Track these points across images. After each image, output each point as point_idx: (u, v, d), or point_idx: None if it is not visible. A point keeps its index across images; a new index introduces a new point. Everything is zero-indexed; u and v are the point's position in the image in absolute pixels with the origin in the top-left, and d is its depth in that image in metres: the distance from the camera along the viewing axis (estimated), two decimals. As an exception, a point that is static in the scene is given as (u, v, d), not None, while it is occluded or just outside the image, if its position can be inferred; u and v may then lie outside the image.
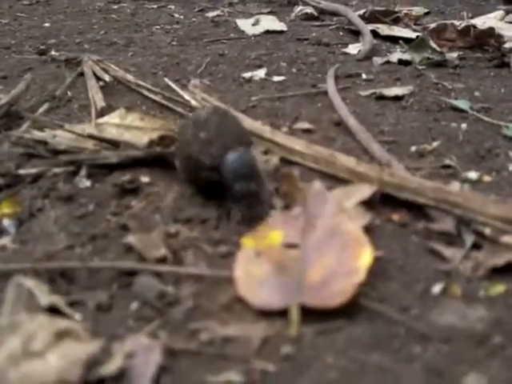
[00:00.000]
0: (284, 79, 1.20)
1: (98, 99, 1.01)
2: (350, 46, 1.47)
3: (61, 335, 0.45)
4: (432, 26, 1.51)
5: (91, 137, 0.82)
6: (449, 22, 1.51)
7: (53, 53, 1.41)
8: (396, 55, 1.36)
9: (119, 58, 1.38)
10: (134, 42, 1.56)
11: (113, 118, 0.88)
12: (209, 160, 0.67)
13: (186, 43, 1.54)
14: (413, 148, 0.85)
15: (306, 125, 0.92)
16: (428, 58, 1.31)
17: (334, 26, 1.73)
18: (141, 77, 1.17)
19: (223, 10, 2.02)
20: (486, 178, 0.76)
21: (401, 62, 1.32)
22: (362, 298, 0.52)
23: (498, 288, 0.55)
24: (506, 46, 1.38)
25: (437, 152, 0.84)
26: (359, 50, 1.41)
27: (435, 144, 0.86)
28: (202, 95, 0.99)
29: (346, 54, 1.42)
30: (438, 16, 1.96)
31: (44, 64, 1.35)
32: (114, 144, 0.81)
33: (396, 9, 1.84)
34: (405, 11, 1.81)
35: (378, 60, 1.33)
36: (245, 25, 1.71)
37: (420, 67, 1.28)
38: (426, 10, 1.99)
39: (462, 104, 1.03)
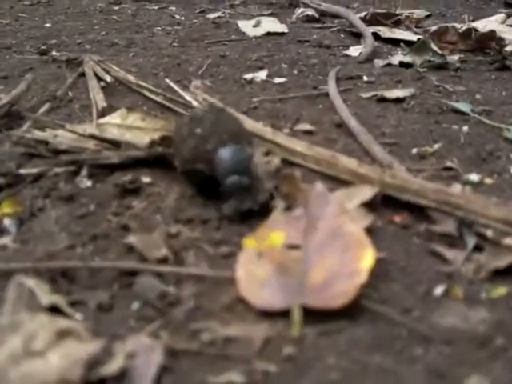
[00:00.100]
0: (285, 81, 1.20)
1: (99, 99, 1.01)
2: (351, 48, 1.47)
3: (62, 335, 0.45)
4: (433, 28, 1.52)
5: (92, 137, 0.82)
6: (450, 24, 1.51)
7: (54, 53, 1.42)
8: (397, 58, 1.36)
9: (120, 58, 1.38)
10: (135, 43, 1.56)
11: (114, 118, 0.88)
12: (203, 156, 0.67)
13: (187, 44, 1.54)
14: (414, 150, 0.85)
15: (307, 126, 0.92)
16: (429, 61, 1.31)
17: (335, 28, 1.73)
18: (142, 77, 1.17)
19: (224, 12, 2.02)
20: (488, 181, 0.76)
21: (402, 64, 1.32)
22: (364, 300, 0.52)
23: (500, 290, 0.55)
24: (507, 49, 1.39)
25: (438, 154, 0.84)
26: (360, 53, 1.41)
27: (436, 146, 0.86)
28: (203, 96, 0.99)
29: (347, 56, 1.42)
30: (439, 19, 1.96)
31: (45, 64, 1.35)
32: (115, 144, 0.81)
33: (397, 11, 1.85)
34: (406, 14, 1.81)
35: (379, 62, 1.34)
36: (246, 26, 1.71)
37: (421, 70, 1.28)
38: (427, 13, 2.00)
39: (464, 106, 1.03)
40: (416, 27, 1.71)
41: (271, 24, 1.73)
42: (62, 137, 0.83)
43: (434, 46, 1.34)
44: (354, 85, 1.18)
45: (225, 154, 0.67)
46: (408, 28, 1.69)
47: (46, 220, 0.68)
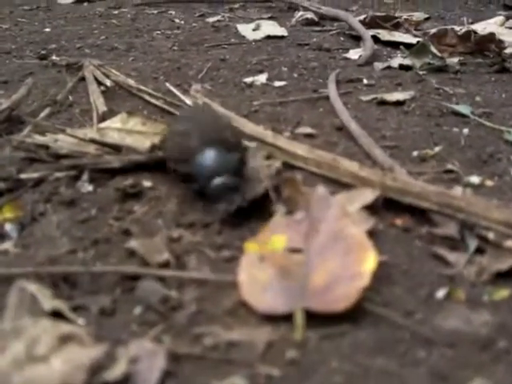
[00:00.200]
0: (285, 84, 1.20)
1: (99, 104, 1.01)
2: (351, 52, 1.47)
3: (64, 340, 0.45)
4: (432, 31, 1.52)
5: (93, 141, 0.82)
6: (449, 27, 1.51)
7: (54, 58, 1.42)
8: (397, 60, 1.36)
9: (120, 62, 1.38)
10: (134, 47, 1.56)
11: (114, 122, 0.88)
12: (184, 153, 0.69)
13: (187, 48, 1.54)
14: (415, 153, 0.85)
15: (307, 129, 0.93)
16: (429, 64, 1.32)
17: (334, 32, 1.73)
18: (142, 82, 1.17)
19: (223, 16, 2.03)
20: (489, 183, 0.76)
21: (402, 67, 1.32)
22: (367, 303, 0.52)
23: (502, 293, 0.55)
24: (507, 51, 1.39)
25: (439, 157, 0.84)
26: (360, 56, 1.41)
27: (437, 149, 0.86)
28: (203, 100, 0.99)
29: (346, 59, 1.43)
30: (438, 21, 1.97)
31: (45, 69, 1.35)
32: (116, 148, 0.81)
33: (396, 14, 1.85)
34: (405, 17, 1.81)
35: (378, 65, 1.34)
36: (245, 30, 1.72)
37: (421, 72, 1.29)
38: (426, 16, 2.00)
39: (464, 109, 1.03)
40: (415, 30, 1.71)
41: (271, 27, 1.73)
42: (63, 141, 0.83)
43: (433, 49, 1.35)
44: (354, 88, 1.18)
45: (203, 159, 0.67)
46: (407, 31, 1.69)
47: (48, 225, 0.68)
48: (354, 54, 1.45)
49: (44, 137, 0.85)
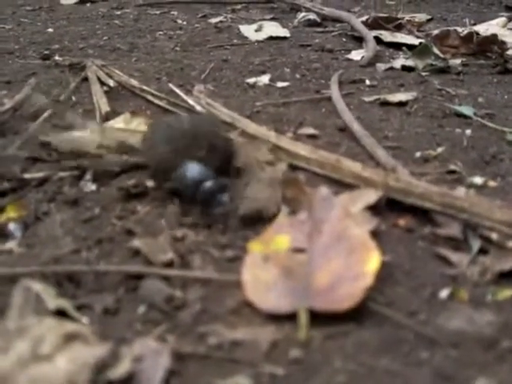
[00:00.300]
0: (288, 85, 1.20)
1: (102, 104, 1.01)
2: (353, 53, 1.48)
3: (69, 338, 0.45)
4: (435, 32, 1.52)
5: (96, 141, 0.82)
6: (452, 28, 1.51)
7: (56, 58, 1.42)
8: (399, 61, 1.36)
9: (123, 63, 1.39)
10: (137, 48, 1.56)
11: (118, 122, 0.89)
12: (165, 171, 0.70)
13: (190, 49, 1.55)
14: (417, 153, 0.85)
15: (310, 130, 0.93)
16: (431, 65, 1.32)
17: (336, 33, 1.73)
18: (144, 82, 1.18)
19: (226, 16, 2.03)
20: (491, 184, 0.76)
21: (404, 68, 1.33)
22: (370, 303, 0.52)
23: (506, 293, 0.55)
24: (509, 52, 1.39)
25: (441, 157, 0.84)
26: (362, 56, 1.42)
27: (440, 150, 0.86)
28: (206, 100, 0.99)
29: (349, 60, 1.43)
30: (441, 23, 1.97)
31: (48, 69, 1.35)
32: (119, 148, 0.81)
33: (399, 15, 1.85)
34: (407, 18, 1.81)
35: (381, 66, 1.34)
36: (248, 31, 1.72)
37: (423, 73, 1.29)
38: (429, 17, 2.00)
39: (466, 110, 1.03)
40: (418, 31, 1.72)
41: (273, 28, 1.73)
42: (66, 141, 0.83)
43: (435, 50, 1.35)
44: (357, 89, 1.18)
45: (185, 171, 0.68)
46: (410, 32, 1.69)
47: (51, 224, 0.68)
48: (356, 55, 1.45)
49: (47, 137, 0.85)
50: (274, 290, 0.52)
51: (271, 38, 1.65)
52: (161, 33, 1.77)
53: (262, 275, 0.54)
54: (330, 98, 1.07)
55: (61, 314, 0.51)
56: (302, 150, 0.78)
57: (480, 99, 1.12)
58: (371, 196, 0.67)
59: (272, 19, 1.93)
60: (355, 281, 0.52)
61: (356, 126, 0.90)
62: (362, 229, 0.58)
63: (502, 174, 0.79)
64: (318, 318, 0.50)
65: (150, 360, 0.45)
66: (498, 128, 0.96)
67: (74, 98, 1.11)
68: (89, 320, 0.51)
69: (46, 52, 1.48)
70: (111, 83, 1.14)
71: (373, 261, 0.53)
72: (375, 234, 0.61)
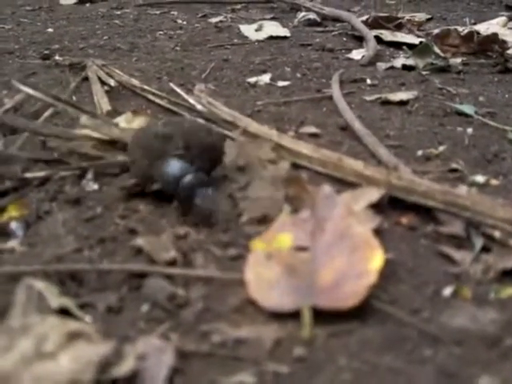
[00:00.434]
0: (289, 84, 1.20)
1: (103, 103, 1.01)
2: (354, 52, 1.48)
3: (72, 337, 0.45)
4: (435, 31, 1.52)
5: (98, 140, 0.82)
6: (452, 27, 1.51)
7: (57, 58, 1.42)
8: (400, 60, 1.36)
9: (123, 62, 1.38)
10: (137, 47, 1.56)
11: (119, 121, 0.88)
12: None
13: (190, 48, 1.55)
14: (419, 152, 0.85)
15: (312, 129, 0.93)
16: (432, 64, 1.32)
17: (336, 32, 1.73)
18: (145, 81, 1.17)
19: (226, 16, 2.03)
20: (493, 182, 0.76)
21: (405, 67, 1.33)
22: (374, 301, 0.52)
23: (509, 290, 0.55)
24: (510, 51, 1.39)
25: (443, 156, 0.84)
26: (363, 56, 1.42)
27: (441, 148, 0.86)
28: (207, 100, 0.99)
29: (349, 59, 1.43)
30: (441, 22, 1.97)
31: (48, 69, 1.35)
32: (121, 147, 0.80)
33: (399, 15, 1.85)
34: (407, 17, 1.81)
35: (382, 65, 1.34)
36: (248, 30, 1.72)
37: (424, 72, 1.29)
38: (429, 16, 2.00)
39: (467, 109, 1.03)
40: (418, 30, 1.72)
41: (273, 28, 1.73)
42: (67, 140, 0.83)
43: (436, 49, 1.35)
44: (358, 88, 1.18)
45: (165, 167, 0.67)
46: (410, 31, 1.69)
47: (53, 223, 0.68)
48: (356, 54, 1.45)
49: (48, 136, 0.85)
50: (277, 288, 0.52)
51: (271, 38, 1.65)
52: (161, 32, 1.77)
53: (265, 273, 0.54)
54: (331, 97, 1.07)
55: (64, 312, 0.51)
56: (304, 148, 0.78)
57: (481, 98, 1.12)
58: (374, 194, 0.67)
59: (272, 19, 1.93)
60: (359, 279, 0.52)
61: (357, 125, 0.90)
62: (365, 227, 0.58)
63: (504, 173, 0.79)
64: (321, 316, 0.50)
65: (153, 358, 0.45)
66: (499, 127, 0.96)
67: (74, 98, 1.11)
68: (92, 318, 0.51)
69: (46, 52, 1.48)
70: (112, 83, 1.14)
71: (376, 259, 0.53)
72: (378, 232, 0.61)
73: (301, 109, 1.05)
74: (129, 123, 0.87)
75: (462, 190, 0.70)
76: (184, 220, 0.66)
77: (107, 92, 1.10)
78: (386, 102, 1.08)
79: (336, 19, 1.87)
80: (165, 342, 0.48)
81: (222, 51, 1.51)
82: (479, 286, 0.56)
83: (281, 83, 1.21)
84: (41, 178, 0.77)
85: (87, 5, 2.34)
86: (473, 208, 0.63)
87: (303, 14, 1.92)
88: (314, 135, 0.91)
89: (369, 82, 1.22)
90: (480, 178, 0.77)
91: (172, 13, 2.12)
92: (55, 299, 0.51)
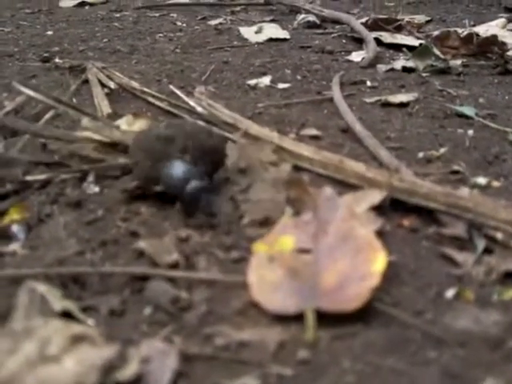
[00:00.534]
0: (289, 86, 1.21)
1: (103, 106, 1.01)
2: (354, 54, 1.48)
3: (76, 340, 0.45)
4: (435, 33, 1.52)
5: (98, 143, 0.82)
6: (452, 29, 1.51)
7: (57, 60, 1.41)
8: (400, 62, 1.36)
9: (123, 65, 1.38)
10: (137, 50, 1.56)
11: (120, 124, 0.88)
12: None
13: (190, 51, 1.55)
14: (420, 154, 0.85)
15: (313, 131, 0.93)
16: (432, 66, 1.32)
17: (336, 34, 1.73)
18: (145, 84, 1.17)
19: (225, 18, 2.03)
20: (495, 184, 0.76)
21: (405, 69, 1.33)
22: (377, 303, 0.52)
23: (511, 292, 0.55)
24: (510, 53, 1.39)
25: (444, 158, 0.84)
26: (363, 58, 1.42)
27: (442, 150, 0.86)
28: (207, 102, 0.99)
29: (349, 61, 1.43)
30: (440, 24, 1.97)
31: (48, 71, 1.35)
32: (122, 150, 0.80)
33: (398, 17, 1.85)
34: (407, 19, 1.81)
35: (382, 67, 1.34)
36: (248, 32, 1.72)
37: (424, 74, 1.29)
38: (428, 18, 2.01)
39: (468, 110, 1.03)
40: (417, 32, 1.72)
41: (273, 30, 1.73)
42: (68, 143, 0.83)
43: (436, 51, 1.35)
44: (358, 90, 1.18)
45: (171, 170, 0.67)
46: (410, 33, 1.69)
47: (55, 226, 0.68)
48: (356, 56, 1.45)
49: (49, 139, 0.85)
50: (280, 290, 0.52)
51: (271, 40, 1.65)
52: (160, 35, 1.77)
53: (268, 276, 0.54)
54: (331, 100, 1.07)
55: (66, 315, 0.51)
56: (306, 150, 0.78)
57: (481, 100, 1.12)
58: (375, 196, 0.67)
59: (272, 21, 1.94)
60: (362, 281, 0.52)
61: (358, 127, 0.90)
62: (368, 229, 0.58)
63: (505, 174, 0.79)
64: (324, 319, 0.50)
65: (157, 361, 0.45)
66: (500, 128, 0.96)
67: (74, 100, 1.11)
68: (95, 322, 0.51)
69: (46, 54, 1.48)
70: (112, 85, 1.14)
71: (379, 261, 0.53)
72: (380, 234, 0.61)
73: (301, 111, 1.05)
74: (130, 125, 0.87)
75: (464, 191, 0.70)
76: (186, 222, 0.66)
77: (107, 94, 1.10)
78: (387, 104, 1.08)
79: (335, 21, 1.87)
80: (168, 345, 0.48)
81: (221, 53, 1.51)
82: (482, 288, 0.56)
83: (281, 85, 1.21)
84: (42, 181, 0.77)
85: (86, 7, 2.34)
86: (475, 210, 0.63)
87: (303, 16, 1.92)
88: (315, 137, 0.91)
89: (369, 84, 1.22)
90: (481, 180, 0.77)
91: (171, 15, 2.12)
92: (58, 302, 0.51)
